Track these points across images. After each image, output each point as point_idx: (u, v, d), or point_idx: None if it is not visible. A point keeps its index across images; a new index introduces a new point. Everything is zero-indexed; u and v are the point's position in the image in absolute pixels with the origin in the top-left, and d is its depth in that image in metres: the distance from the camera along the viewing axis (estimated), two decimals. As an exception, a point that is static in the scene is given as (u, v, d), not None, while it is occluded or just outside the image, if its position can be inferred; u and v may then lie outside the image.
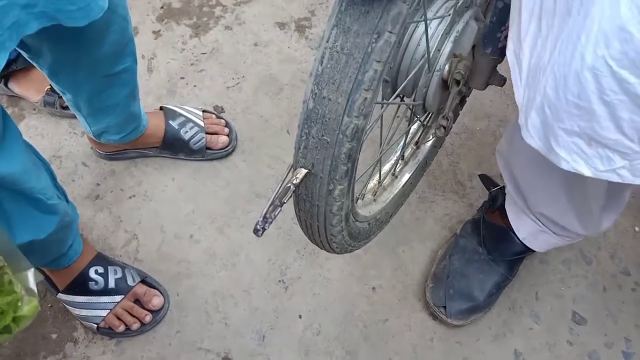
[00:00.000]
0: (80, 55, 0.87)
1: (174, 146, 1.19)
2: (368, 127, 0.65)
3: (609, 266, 1.13)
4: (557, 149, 0.58)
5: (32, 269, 0.66)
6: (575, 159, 0.58)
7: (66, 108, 1.23)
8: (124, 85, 1.00)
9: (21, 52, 0.89)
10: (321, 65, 0.56)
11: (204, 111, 1.23)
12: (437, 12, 0.71)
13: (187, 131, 1.19)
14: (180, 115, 1.20)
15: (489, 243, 1.07)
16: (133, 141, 1.15)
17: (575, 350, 1.05)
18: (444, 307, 1.04)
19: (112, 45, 0.88)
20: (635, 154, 0.54)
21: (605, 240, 1.14)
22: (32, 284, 0.65)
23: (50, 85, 1.21)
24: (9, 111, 1.27)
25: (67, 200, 0.97)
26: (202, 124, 1.20)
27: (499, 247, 1.06)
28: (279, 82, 1.32)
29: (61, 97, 1.20)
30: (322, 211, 0.68)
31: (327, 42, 0.54)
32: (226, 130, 1.23)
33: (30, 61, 0.91)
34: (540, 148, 0.60)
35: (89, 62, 0.89)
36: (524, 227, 1.01)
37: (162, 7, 1.40)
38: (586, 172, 0.58)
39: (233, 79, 1.32)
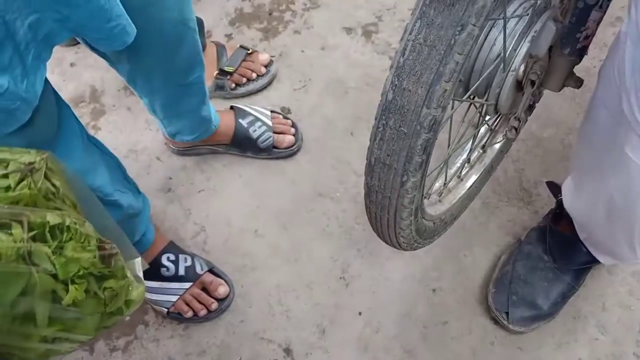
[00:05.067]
0: (156, 66, 0.92)
1: (242, 144, 1.24)
2: (443, 121, 0.66)
3: (681, 280, 1.09)
4: None
5: (139, 258, 0.71)
6: None
7: (234, 89, 1.32)
8: (195, 94, 1.05)
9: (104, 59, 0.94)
10: (403, 57, 0.58)
11: (272, 111, 1.27)
12: (515, 11, 0.72)
13: (256, 130, 1.23)
14: (250, 114, 1.24)
15: (555, 251, 1.05)
16: (204, 139, 1.21)
17: (644, 364, 1.02)
18: (507, 312, 1.03)
19: (185, 57, 0.93)
20: None
21: (678, 254, 1.10)
22: (139, 271, 0.70)
23: (219, 69, 1.30)
24: (89, 107, 1.36)
25: (138, 192, 1.03)
26: (270, 123, 1.24)
27: (565, 256, 1.04)
28: (345, 86, 1.35)
29: (230, 79, 1.30)
30: (394, 203, 0.70)
31: (410, 34, 0.56)
32: (292, 130, 1.26)
33: (111, 67, 0.97)
34: None
35: (163, 72, 0.94)
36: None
37: (235, 12, 1.46)
38: None
39: (300, 81, 1.36)
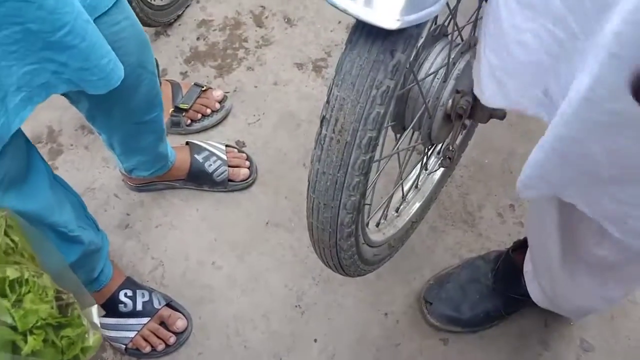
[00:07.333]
0: (115, 106, 0.96)
1: (198, 178, 1.27)
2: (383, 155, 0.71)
3: (616, 294, 1.16)
4: None
5: (96, 305, 0.74)
6: None
7: (190, 125, 1.36)
8: (153, 132, 1.09)
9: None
10: (332, 96, 0.63)
11: (226, 146, 1.31)
12: (439, 52, 0.79)
13: (211, 164, 1.27)
14: (205, 149, 1.28)
15: (499, 274, 1.10)
16: (161, 175, 1.24)
17: (584, 375, 1.07)
18: (431, 303, 1.09)
19: (143, 97, 0.97)
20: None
21: (611, 269, 1.18)
22: (96, 319, 0.72)
23: (175, 106, 1.34)
24: (47, 147, 1.38)
25: (98, 229, 1.05)
26: (225, 157, 1.28)
27: (505, 281, 1.09)
28: (297, 119, 1.40)
29: (185, 115, 1.33)
30: (335, 231, 0.74)
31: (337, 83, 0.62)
32: (247, 163, 1.30)
33: (72, 104, 1.00)
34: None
35: (122, 111, 0.98)
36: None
37: (190, 50, 1.51)
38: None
39: (254, 115, 1.41)
